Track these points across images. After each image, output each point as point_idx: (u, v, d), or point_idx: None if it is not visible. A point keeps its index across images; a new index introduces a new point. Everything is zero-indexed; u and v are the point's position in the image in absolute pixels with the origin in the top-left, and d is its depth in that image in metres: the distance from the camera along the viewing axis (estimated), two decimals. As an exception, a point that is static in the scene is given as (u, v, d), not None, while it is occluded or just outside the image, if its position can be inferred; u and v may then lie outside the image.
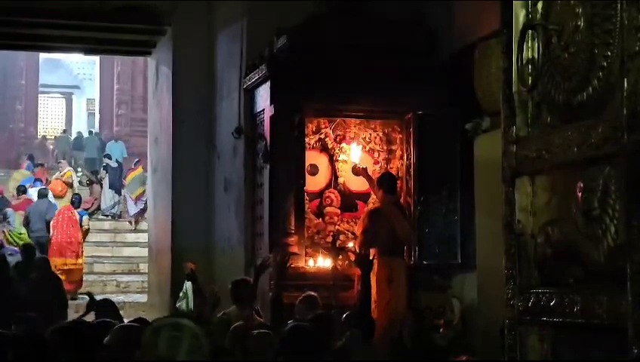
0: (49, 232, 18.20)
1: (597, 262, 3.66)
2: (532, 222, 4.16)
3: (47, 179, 24.54)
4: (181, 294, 11.90)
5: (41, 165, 26.94)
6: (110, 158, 25.93)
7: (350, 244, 10.88)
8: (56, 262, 17.18)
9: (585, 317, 3.70)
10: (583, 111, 3.79)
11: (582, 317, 3.72)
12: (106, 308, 9.69)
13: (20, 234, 18.51)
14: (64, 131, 35.18)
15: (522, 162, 4.21)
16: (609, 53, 3.62)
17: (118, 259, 20.93)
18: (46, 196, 19.79)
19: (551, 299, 3.96)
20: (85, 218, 19.08)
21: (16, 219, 18.85)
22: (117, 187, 24.62)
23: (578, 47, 3.84)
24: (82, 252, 18.40)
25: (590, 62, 3.74)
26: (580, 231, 3.76)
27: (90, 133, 33.42)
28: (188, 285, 11.50)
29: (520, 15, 4.30)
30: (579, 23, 3.84)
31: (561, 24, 3.96)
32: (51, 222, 18.25)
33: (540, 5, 4.15)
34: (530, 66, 4.19)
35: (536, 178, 4.16)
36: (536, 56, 4.14)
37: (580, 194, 3.78)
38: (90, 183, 25.25)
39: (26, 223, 18.58)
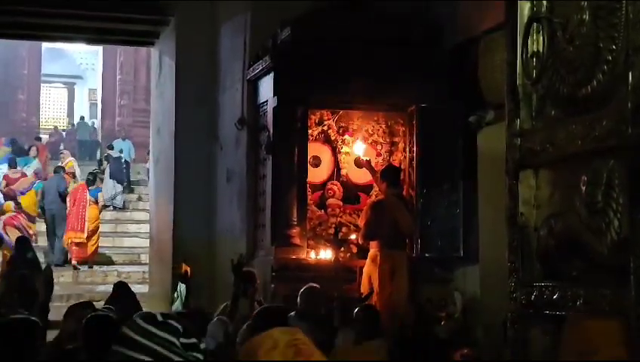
0: (64, 203, 19.28)
1: (600, 256, 3.65)
2: (535, 215, 4.16)
3: (46, 157, 24.82)
4: (175, 294, 11.88)
5: (39, 139, 27.24)
6: (112, 149, 25.98)
7: (352, 236, 10.88)
8: (70, 236, 18.91)
9: (588, 310, 3.68)
10: (587, 104, 3.78)
11: (585, 310, 3.70)
12: None
13: None
14: (82, 118, 35.25)
15: (526, 155, 4.21)
16: (614, 47, 3.61)
17: (119, 250, 20.92)
18: (59, 172, 20.53)
19: (554, 293, 3.96)
20: (100, 194, 20.25)
21: None
22: (119, 178, 24.60)
23: (583, 40, 3.83)
24: (95, 227, 19.32)
25: (595, 55, 3.73)
26: (584, 225, 3.75)
27: (82, 118, 33.95)
28: (182, 287, 11.51)
29: (525, 8, 4.29)
30: (584, 16, 3.83)
31: (566, 17, 3.95)
32: (68, 198, 19.30)
33: None
34: (534, 59, 4.18)
35: (539, 171, 4.15)
36: (540, 49, 4.13)
37: (583, 188, 3.77)
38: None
39: (42, 198, 19.51)
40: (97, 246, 19.53)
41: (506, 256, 4.32)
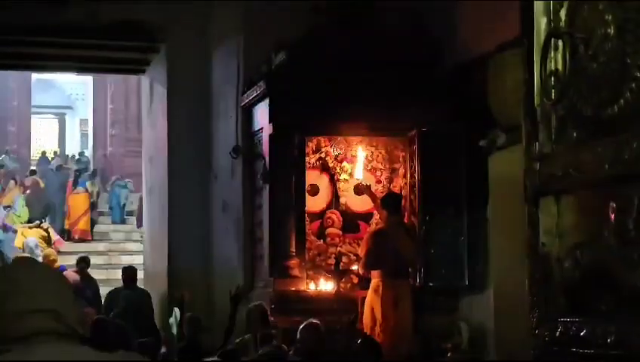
0: None
1: (633, 289, 3.43)
2: (558, 244, 3.96)
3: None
4: (170, 321, 11.77)
5: (33, 172, 27.44)
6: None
7: (354, 267, 10.73)
8: None
9: (621, 348, 3.48)
10: (613, 125, 3.61)
11: (617, 348, 3.50)
12: None
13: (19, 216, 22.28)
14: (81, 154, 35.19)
15: (546, 181, 4.03)
16: (643, 63, 3.42)
17: (114, 282, 20.68)
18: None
19: (581, 329, 3.74)
20: (88, 183, 24.78)
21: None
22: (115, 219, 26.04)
23: (608, 56, 3.65)
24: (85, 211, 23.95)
25: (621, 72, 3.53)
26: (614, 256, 3.54)
27: (82, 153, 34.00)
28: (177, 313, 11.41)
29: (542, 22, 4.14)
30: (608, 30, 3.66)
31: (589, 32, 3.76)
32: None
33: (563, 12, 3.96)
34: (553, 78, 3.98)
35: (561, 197, 3.95)
36: (560, 67, 3.96)
37: (612, 215, 3.56)
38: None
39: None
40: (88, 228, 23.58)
41: (527, 289, 4.18)
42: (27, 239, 19.93)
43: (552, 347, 3.95)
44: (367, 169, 11.33)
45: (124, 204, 26.42)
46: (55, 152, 35.43)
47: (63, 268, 18.05)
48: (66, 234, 23.67)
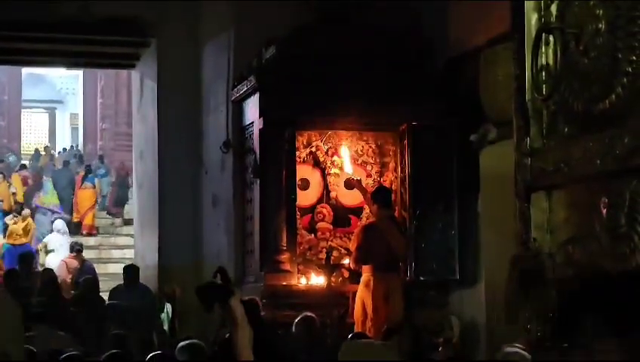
0: None
1: (625, 284, 3.44)
2: (549, 240, 3.93)
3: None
4: (162, 316, 11.75)
5: (23, 166, 27.34)
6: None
7: (345, 261, 10.71)
8: None
9: (613, 342, 3.53)
10: (605, 120, 3.57)
11: (610, 341, 3.55)
12: None
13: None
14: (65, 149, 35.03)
15: (538, 176, 3.99)
16: (634, 58, 3.37)
17: (104, 276, 20.62)
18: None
19: (574, 323, 3.74)
20: (97, 180, 25.17)
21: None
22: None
23: (599, 51, 3.61)
24: (91, 205, 24.42)
25: (613, 67, 3.50)
26: (605, 251, 3.50)
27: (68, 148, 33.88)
28: (169, 307, 11.41)
29: (532, 18, 4.10)
30: (600, 25, 3.62)
31: (580, 27, 3.73)
32: None
33: (554, 7, 3.92)
34: (544, 73, 3.96)
35: (553, 193, 3.92)
36: (551, 62, 3.93)
37: (604, 210, 3.53)
38: None
39: None
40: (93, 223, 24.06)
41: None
42: (56, 222, 21.01)
43: (545, 342, 3.96)
44: (357, 163, 11.32)
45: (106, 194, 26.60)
46: (46, 147, 35.38)
47: (28, 247, 18.47)
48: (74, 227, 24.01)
